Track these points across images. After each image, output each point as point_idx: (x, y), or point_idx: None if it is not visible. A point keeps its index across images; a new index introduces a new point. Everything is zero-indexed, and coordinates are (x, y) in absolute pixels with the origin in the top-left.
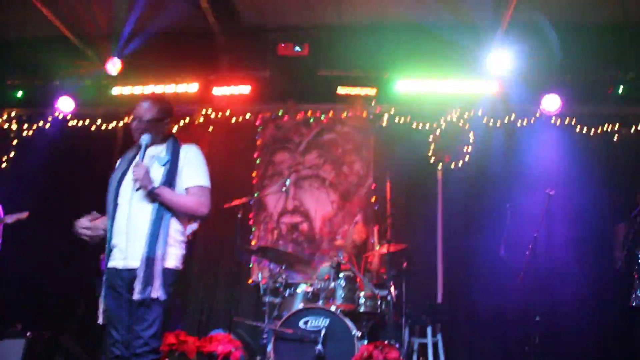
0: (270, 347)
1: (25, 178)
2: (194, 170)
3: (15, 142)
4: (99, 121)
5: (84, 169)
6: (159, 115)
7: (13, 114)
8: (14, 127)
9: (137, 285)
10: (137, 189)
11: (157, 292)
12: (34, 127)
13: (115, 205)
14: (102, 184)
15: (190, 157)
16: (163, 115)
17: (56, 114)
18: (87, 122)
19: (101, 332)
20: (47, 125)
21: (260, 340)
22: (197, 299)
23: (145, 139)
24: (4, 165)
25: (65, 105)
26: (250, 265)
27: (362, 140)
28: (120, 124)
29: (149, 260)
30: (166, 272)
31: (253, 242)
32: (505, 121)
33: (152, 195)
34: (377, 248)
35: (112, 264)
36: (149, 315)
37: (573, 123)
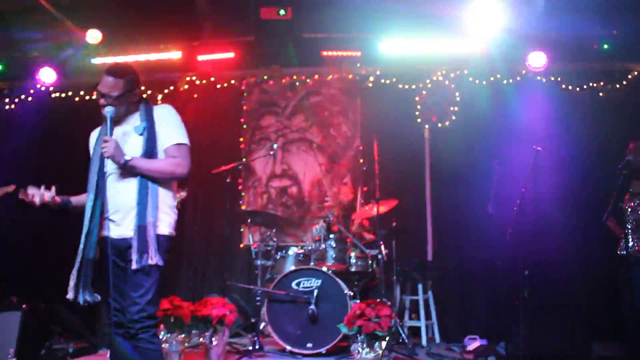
0: (264, 309)
1: (10, 152)
2: (168, 130)
3: None
4: (82, 92)
5: (69, 140)
6: (127, 88)
7: None
8: None
9: (134, 255)
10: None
11: (153, 259)
12: (16, 100)
13: (104, 179)
14: (88, 155)
15: (163, 117)
16: (131, 87)
17: (38, 86)
18: (70, 93)
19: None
20: (30, 99)
21: (254, 303)
22: (190, 264)
23: (109, 111)
24: None
25: (46, 76)
26: (242, 230)
27: (348, 102)
28: None
29: (141, 229)
30: (160, 238)
31: (243, 207)
32: (492, 79)
33: (127, 168)
34: (366, 208)
35: (105, 233)
36: (145, 282)
37: (559, 80)
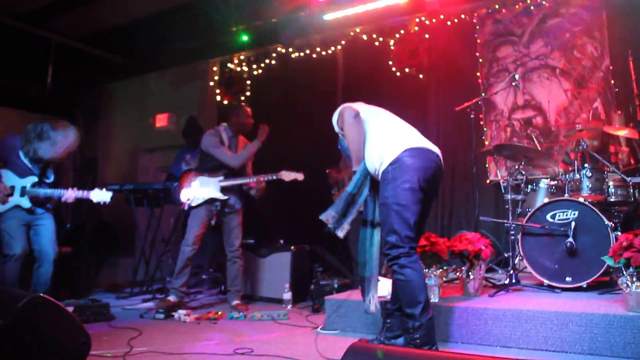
0: (519, 243)
1: (262, 112)
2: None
3: (248, 82)
4: (318, 49)
5: (312, 93)
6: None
7: (242, 57)
8: (245, 68)
9: None
10: None
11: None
12: (262, 65)
13: None
14: (328, 101)
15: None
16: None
17: (279, 49)
18: (307, 51)
19: (347, 242)
20: (274, 62)
21: (504, 238)
22: (437, 201)
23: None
24: (242, 105)
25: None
26: (487, 165)
27: (592, 20)
28: (339, 47)
29: None
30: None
31: (486, 142)
32: None
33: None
34: (623, 133)
35: None
36: (382, 215)
37: None
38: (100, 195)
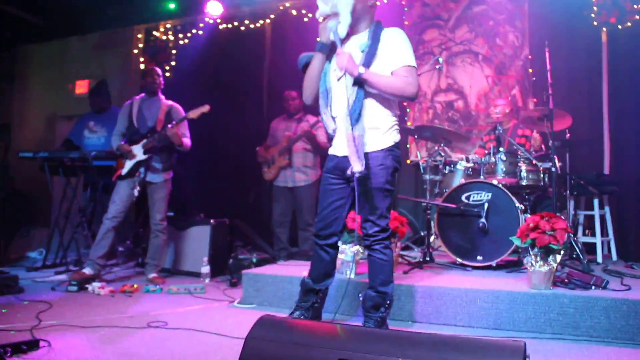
0: (434, 222)
1: (188, 83)
2: (398, 51)
3: (174, 51)
4: (246, 21)
5: (238, 67)
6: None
7: (169, 25)
8: (171, 37)
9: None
10: (339, 78)
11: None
12: (189, 35)
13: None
14: (255, 75)
15: (392, 39)
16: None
17: (207, 19)
18: (235, 23)
19: (269, 217)
20: (200, 32)
21: (421, 217)
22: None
23: (332, 27)
24: (167, 74)
25: (213, 9)
26: (408, 146)
27: (515, 9)
28: (267, 21)
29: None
30: (378, 155)
31: (409, 123)
32: None
33: (359, 81)
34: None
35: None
36: (373, 201)
37: None
38: None
